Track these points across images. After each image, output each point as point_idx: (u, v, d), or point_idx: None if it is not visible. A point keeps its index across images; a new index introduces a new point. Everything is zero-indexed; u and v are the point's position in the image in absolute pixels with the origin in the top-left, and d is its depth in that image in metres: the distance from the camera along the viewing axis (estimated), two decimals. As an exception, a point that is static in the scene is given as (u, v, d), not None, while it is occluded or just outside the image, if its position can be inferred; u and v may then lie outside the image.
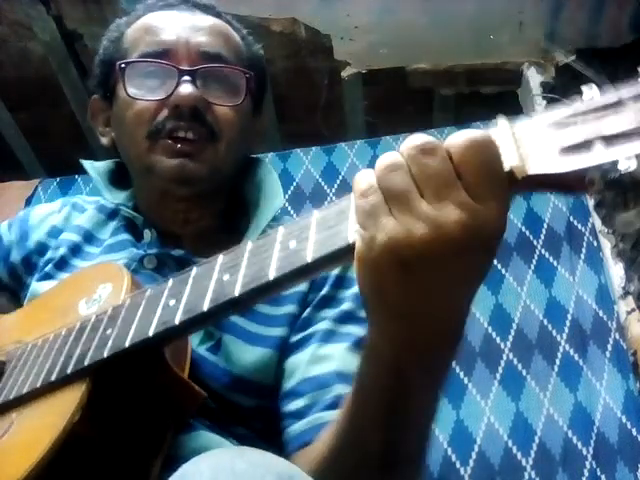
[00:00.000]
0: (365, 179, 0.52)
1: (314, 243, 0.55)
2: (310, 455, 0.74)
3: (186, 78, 0.89)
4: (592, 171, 0.46)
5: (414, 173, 0.50)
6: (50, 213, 1.03)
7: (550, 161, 0.47)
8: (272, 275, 0.56)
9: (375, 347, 0.59)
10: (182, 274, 0.68)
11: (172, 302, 0.65)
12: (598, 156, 0.45)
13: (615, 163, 0.45)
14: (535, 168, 0.48)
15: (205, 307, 0.61)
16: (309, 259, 0.55)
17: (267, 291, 0.59)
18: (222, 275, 0.62)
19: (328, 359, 0.84)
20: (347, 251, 0.53)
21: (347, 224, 0.54)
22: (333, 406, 0.79)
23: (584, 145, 0.46)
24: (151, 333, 0.64)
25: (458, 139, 0.50)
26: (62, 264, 0.94)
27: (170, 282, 0.68)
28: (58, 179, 1.73)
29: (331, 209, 0.57)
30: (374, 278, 0.52)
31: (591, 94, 0.49)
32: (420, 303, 0.52)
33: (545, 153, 0.48)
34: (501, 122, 0.52)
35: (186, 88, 0.89)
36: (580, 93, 0.49)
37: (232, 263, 0.62)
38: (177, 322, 0.63)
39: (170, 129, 0.89)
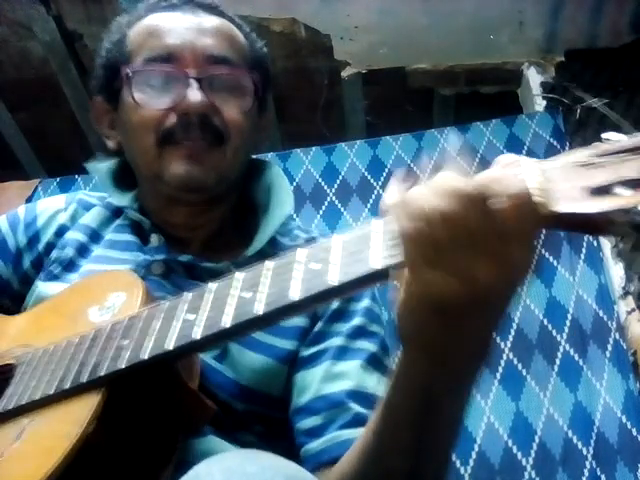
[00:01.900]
0: (413, 221, 0.51)
1: (338, 267, 0.56)
2: (333, 476, 0.75)
3: (194, 84, 0.89)
4: (617, 214, 0.47)
5: (453, 225, 0.50)
6: (57, 211, 1.01)
7: (577, 201, 0.48)
8: (296, 296, 0.57)
9: (406, 374, 0.60)
10: (199, 288, 0.68)
11: (191, 316, 0.64)
12: (623, 200, 0.46)
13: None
14: (562, 207, 0.48)
15: (227, 324, 0.61)
16: (333, 283, 0.56)
17: (290, 311, 0.60)
18: (243, 292, 0.62)
19: (342, 377, 0.83)
20: (371, 278, 0.55)
21: (369, 252, 0.55)
22: (351, 424, 0.79)
23: (608, 188, 0.47)
24: (171, 347, 0.64)
25: (500, 190, 0.49)
26: (69, 265, 0.93)
27: (187, 296, 0.68)
28: (58, 179, 1.73)
29: (353, 234, 0.58)
30: (412, 321, 0.55)
31: (613, 136, 0.50)
32: (453, 341, 0.55)
33: (572, 193, 0.49)
34: (528, 160, 0.52)
35: (195, 95, 0.88)
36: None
37: (252, 281, 0.62)
38: (198, 337, 0.62)
39: (179, 139, 0.89)
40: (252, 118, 0.95)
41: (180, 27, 0.93)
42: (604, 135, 0.51)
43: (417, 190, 0.52)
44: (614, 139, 0.50)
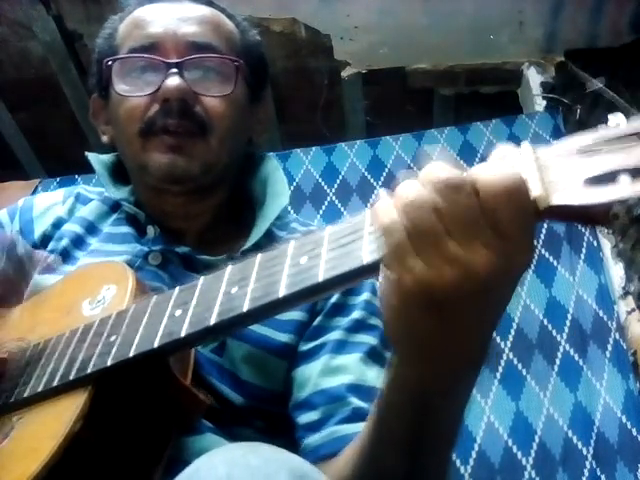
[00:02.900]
0: (387, 213, 0.50)
1: (326, 261, 0.53)
2: (331, 472, 0.74)
3: (173, 71, 0.88)
4: (617, 204, 0.45)
5: (442, 210, 0.47)
6: (54, 204, 1.02)
7: (574, 192, 0.46)
8: (282, 292, 0.55)
9: (401, 376, 0.59)
10: (188, 283, 0.67)
11: (178, 312, 0.63)
12: (623, 190, 0.44)
13: None
14: (559, 199, 0.46)
15: (212, 321, 0.59)
16: (320, 278, 0.53)
17: (276, 308, 0.57)
18: (230, 288, 0.60)
19: (341, 371, 0.83)
20: (360, 272, 0.52)
21: (361, 243, 0.52)
22: (349, 419, 0.79)
23: (609, 177, 0.45)
24: (156, 344, 0.63)
25: (491, 179, 0.47)
26: (64, 256, 0.93)
27: (176, 291, 0.67)
28: (58, 179, 1.73)
29: (344, 225, 0.55)
30: (401, 317, 0.52)
31: (617, 121, 0.48)
32: (447, 338, 0.52)
33: (569, 183, 0.46)
34: (525, 148, 0.50)
35: (173, 81, 0.87)
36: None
37: (241, 275, 0.60)
38: (183, 334, 0.61)
39: (161, 127, 0.88)
40: (239, 106, 0.94)
41: (164, 17, 0.93)
42: (610, 118, 0.48)
43: (401, 184, 0.50)
44: (617, 123, 0.48)
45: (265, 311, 0.58)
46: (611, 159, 0.46)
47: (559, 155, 0.48)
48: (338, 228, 0.56)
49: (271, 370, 0.85)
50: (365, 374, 0.83)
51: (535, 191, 0.47)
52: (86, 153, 1.01)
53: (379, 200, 0.51)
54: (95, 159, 1.00)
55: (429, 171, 0.49)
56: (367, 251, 0.52)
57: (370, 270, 0.52)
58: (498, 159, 0.50)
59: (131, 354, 0.64)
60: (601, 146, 0.47)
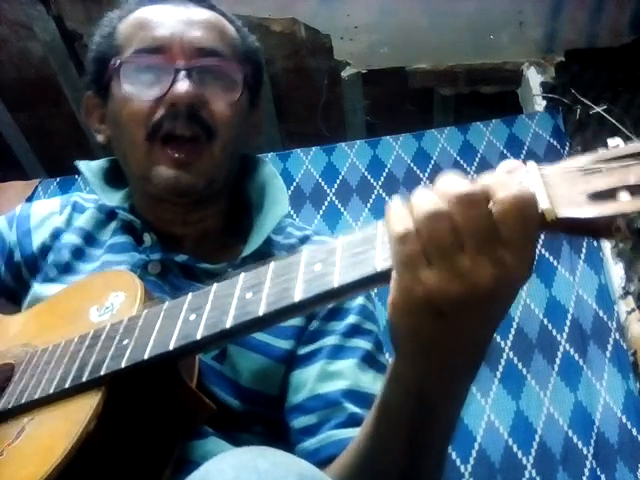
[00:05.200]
0: (402, 221, 0.52)
1: (340, 268, 0.56)
2: (328, 476, 0.75)
3: (182, 75, 0.88)
4: (619, 218, 0.48)
5: (459, 224, 0.50)
6: (51, 213, 1.01)
7: (579, 206, 0.49)
8: (297, 297, 0.57)
9: (402, 376, 0.60)
10: (200, 288, 0.68)
11: (192, 317, 0.65)
12: (624, 205, 0.47)
13: None
14: (564, 212, 0.49)
15: (228, 324, 0.61)
16: (335, 284, 0.56)
17: (291, 312, 0.60)
18: (245, 293, 0.62)
19: (337, 376, 0.84)
20: (374, 279, 0.55)
21: (374, 253, 0.55)
22: (345, 424, 0.80)
23: (610, 193, 0.48)
24: (171, 347, 0.64)
25: (504, 194, 0.49)
26: (65, 267, 0.93)
27: (189, 296, 0.68)
28: (58, 179, 1.73)
29: (356, 236, 0.58)
30: (408, 322, 0.54)
31: (616, 142, 0.51)
32: (451, 341, 0.55)
33: (574, 198, 0.49)
34: (530, 165, 0.53)
35: (182, 85, 0.87)
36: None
37: (254, 282, 0.62)
38: (198, 337, 0.62)
39: (167, 130, 0.88)
40: (242, 112, 0.94)
41: (170, 19, 0.93)
42: (609, 141, 0.51)
43: (417, 193, 0.52)
44: (616, 145, 0.51)
45: (280, 315, 0.60)
46: (611, 177, 0.49)
47: (563, 173, 0.51)
48: (351, 238, 0.58)
49: (271, 376, 0.85)
50: (360, 379, 0.84)
51: (543, 204, 0.50)
52: (76, 162, 1.01)
53: (392, 207, 0.53)
54: (85, 167, 1.00)
55: (446, 183, 0.51)
56: (380, 259, 0.54)
57: (383, 277, 0.54)
58: (506, 172, 0.53)
59: (146, 356, 0.65)
60: (601, 165, 0.50)
